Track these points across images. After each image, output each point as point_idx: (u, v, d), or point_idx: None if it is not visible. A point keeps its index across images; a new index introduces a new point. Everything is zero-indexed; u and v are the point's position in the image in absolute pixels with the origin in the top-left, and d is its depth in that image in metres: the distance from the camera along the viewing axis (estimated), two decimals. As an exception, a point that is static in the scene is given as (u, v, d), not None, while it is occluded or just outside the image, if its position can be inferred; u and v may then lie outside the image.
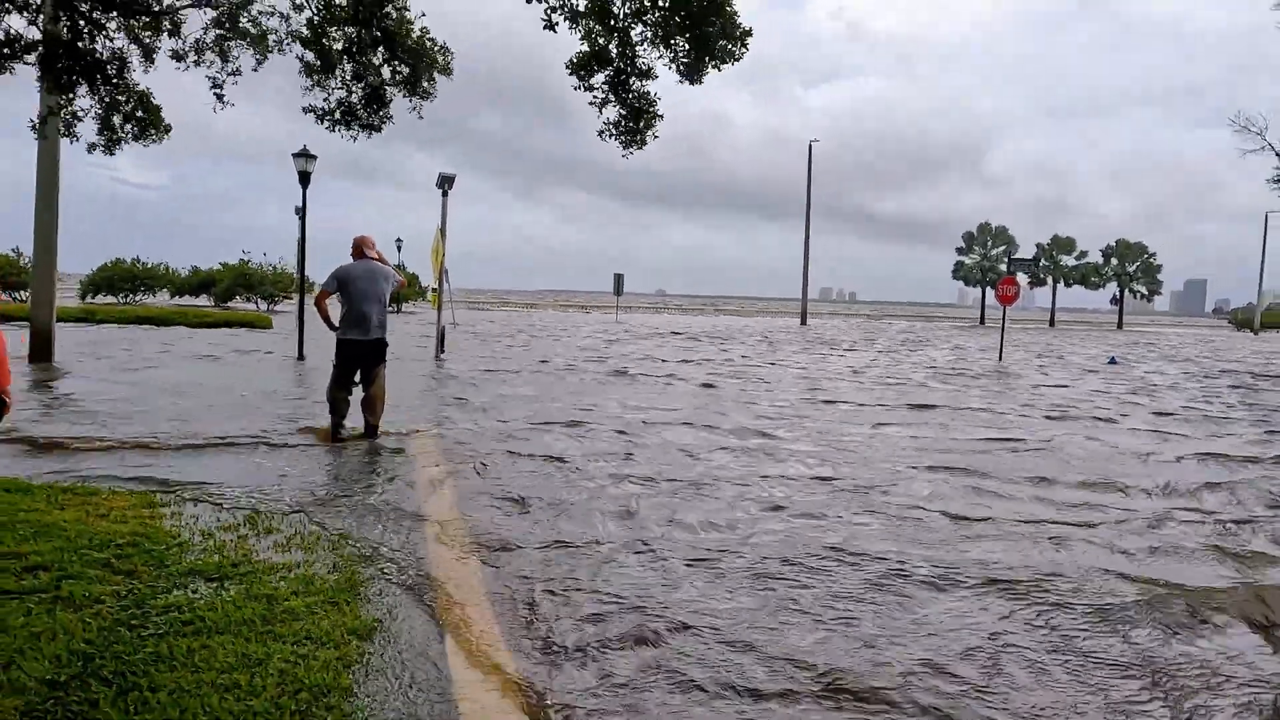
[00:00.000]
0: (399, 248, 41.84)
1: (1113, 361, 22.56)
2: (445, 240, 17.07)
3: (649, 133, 7.66)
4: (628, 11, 6.42)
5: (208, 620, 3.14)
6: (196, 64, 9.30)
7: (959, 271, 65.95)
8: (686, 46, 6.44)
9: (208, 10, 8.85)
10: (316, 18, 8.31)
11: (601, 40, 6.76)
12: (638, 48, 6.82)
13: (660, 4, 6.24)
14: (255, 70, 9.25)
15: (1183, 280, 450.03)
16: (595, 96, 7.33)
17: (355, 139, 8.98)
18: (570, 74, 7.07)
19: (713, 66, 6.58)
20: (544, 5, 6.33)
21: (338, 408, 7.30)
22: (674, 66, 6.58)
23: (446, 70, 8.43)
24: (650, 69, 7.17)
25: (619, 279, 44.44)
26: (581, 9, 6.41)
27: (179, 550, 3.95)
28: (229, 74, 9.34)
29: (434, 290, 18.46)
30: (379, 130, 8.68)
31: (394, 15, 7.99)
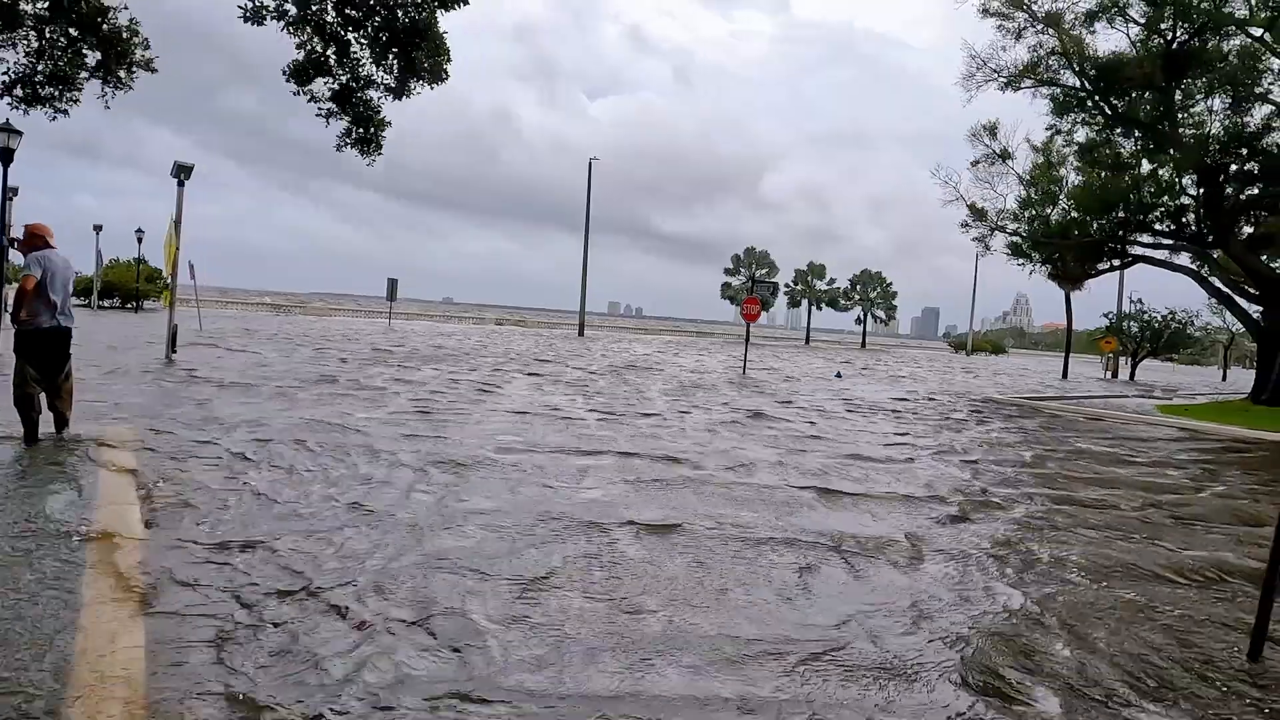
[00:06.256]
0: (139, 240, 37.62)
1: (839, 375, 25.51)
2: (180, 233, 15.91)
3: (380, 136, 7.78)
4: (340, 21, 6.57)
5: None
6: None
7: (726, 292, 70.67)
8: (397, 66, 6.72)
9: None
10: None
11: (319, 48, 6.84)
12: (357, 60, 6.98)
13: (374, 17, 6.46)
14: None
15: (921, 307, 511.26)
16: (320, 109, 7.34)
17: (54, 118, 8.29)
18: (288, 81, 7.06)
19: (422, 86, 6.91)
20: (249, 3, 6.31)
21: (33, 403, 6.80)
22: (383, 85, 6.83)
23: (147, 66, 8.03)
24: (374, 78, 7.34)
25: (393, 284, 43.18)
26: (293, 16, 6.46)
27: None
28: None
29: (167, 286, 17.15)
30: (66, 114, 8.09)
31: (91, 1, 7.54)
